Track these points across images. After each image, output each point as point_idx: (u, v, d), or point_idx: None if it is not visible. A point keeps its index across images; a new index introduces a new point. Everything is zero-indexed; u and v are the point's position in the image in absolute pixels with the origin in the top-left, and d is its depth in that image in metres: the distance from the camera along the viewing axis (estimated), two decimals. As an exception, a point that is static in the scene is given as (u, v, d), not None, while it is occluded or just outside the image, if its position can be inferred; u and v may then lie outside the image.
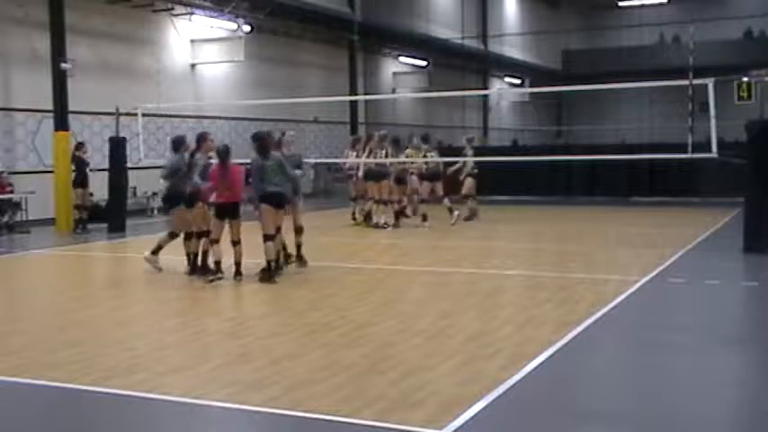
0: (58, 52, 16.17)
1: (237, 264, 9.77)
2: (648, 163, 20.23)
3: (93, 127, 18.09)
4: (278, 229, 9.97)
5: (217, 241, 9.82)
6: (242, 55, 20.67)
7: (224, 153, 9.86)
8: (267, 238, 9.68)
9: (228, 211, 9.84)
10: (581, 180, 22.16)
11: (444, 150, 19.83)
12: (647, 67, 35.23)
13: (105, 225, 16.13)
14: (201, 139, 10.57)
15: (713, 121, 11.92)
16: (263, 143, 9.91)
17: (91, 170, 16.11)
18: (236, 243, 9.81)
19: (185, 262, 10.35)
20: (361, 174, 15.78)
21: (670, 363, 6.19)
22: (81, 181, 15.83)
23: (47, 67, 16.24)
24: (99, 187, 16.65)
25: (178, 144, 10.76)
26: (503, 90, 39.56)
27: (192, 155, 10.31)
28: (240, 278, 9.71)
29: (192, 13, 20.40)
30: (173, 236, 10.68)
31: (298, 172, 10.51)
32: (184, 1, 19.90)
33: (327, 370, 5.88)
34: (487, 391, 5.32)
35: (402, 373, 5.78)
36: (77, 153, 15.88)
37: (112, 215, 16.24)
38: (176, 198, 10.44)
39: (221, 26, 21.04)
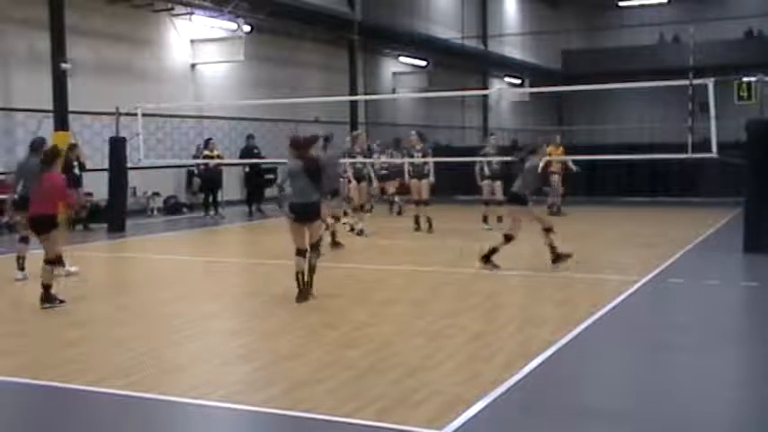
0: (58, 52, 16.17)
1: (45, 287, 8.38)
2: (649, 163, 20.23)
3: (93, 127, 18.08)
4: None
5: (55, 261, 8.56)
6: (242, 55, 20.65)
7: (49, 156, 8.61)
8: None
9: (41, 225, 8.50)
10: (581, 180, 22.13)
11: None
12: (647, 67, 35.21)
13: (105, 225, 16.14)
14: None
15: (713, 121, 11.93)
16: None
17: (84, 170, 16.09)
18: (50, 262, 8.47)
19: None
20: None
21: (670, 363, 6.19)
22: (72, 182, 15.66)
23: (47, 67, 16.23)
24: (99, 187, 16.66)
25: (38, 146, 10.19)
26: (503, 90, 39.53)
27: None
28: (50, 305, 8.32)
29: (191, 13, 20.37)
30: (25, 240, 10.11)
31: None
32: (184, 1, 19.87)
33: (327, 370, 5.88)
34: (488, 391, 5.33)
35: (402, 373, 5.78)
36: (69, 154, 15.81)
37: (112, 215, 16.24)
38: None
39: (221, 26, 21.02)
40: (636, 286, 9.13)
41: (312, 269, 8.61)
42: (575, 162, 17.69)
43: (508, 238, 10.29)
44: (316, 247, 8.71)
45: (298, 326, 7.44)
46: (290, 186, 8.69)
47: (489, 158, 15.37)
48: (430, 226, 14.70)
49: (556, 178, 17.63)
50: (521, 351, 6.35)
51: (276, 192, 8.67)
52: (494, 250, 10.33)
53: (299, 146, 8.78)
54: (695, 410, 5.17)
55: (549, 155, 16.42)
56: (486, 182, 15.36)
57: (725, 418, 5.16)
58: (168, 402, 5.34)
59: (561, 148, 18.44)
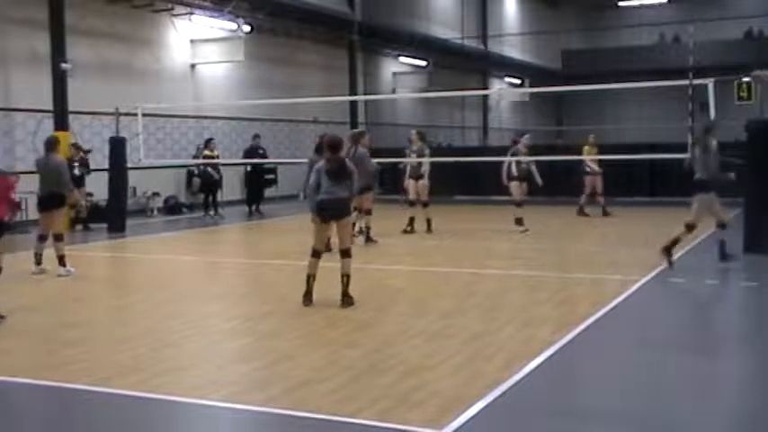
0: (58, 52, 16.17)
1: None
2: (649, 163, 20.22)
3: (93, 127, 18.07)
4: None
5: None
6: (242, 55, 20.65)
7: None
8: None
9: None
10: (581, 180, 22.11)
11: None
12: (647, 67, 35.20)
13: (105, 225, 16.14)
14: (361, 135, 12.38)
15: (713, 122, 11.92)
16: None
17: (88, 171, 16.14)
18: None
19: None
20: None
21: (670, 363, 6.19)
22: (74, 181, 15.68)
23: (47, 67, 16.23)
24: (99, 187, 16.66)
25: (53, 144, 10.68)
26: (503, 90, 39.54)
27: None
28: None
29: (191, 13, 20.37)
30: (43, 238, 10.54)
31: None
32: (184, 1, 19.87)
33: (327, 370, 5.88)
34: (487, 391, 5.33)
35: (402, 373, 5.79)
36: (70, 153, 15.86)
37: (112, 215, 16.25)
38: (58, 199, 10.39)
39: (221, 26, 21.02)
40: (636, 286, 9.13)
41: (345, 276, 8.26)
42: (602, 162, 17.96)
43: (690, 228, 10.30)
44: (347, 253, 8.31)
45: (298, 326, 7.45)
46: (320, 184, 8.37)
47: (518, 158, 14.93)
48: (429, 226, 14.64)
49: (588, 179, 17.94)
50: (521, 351, 6.35)
51: (309, 191, 8.42)
52: (675, 241, 10.31)
53: (335, 146, 8.54)
54: (695, 411, 5.17)
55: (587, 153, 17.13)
56: (514, 182, 14.87)
57: (725, 418, 5.16)
58: (169, 402, 5.34)
59: (596, 147, 18.29)
